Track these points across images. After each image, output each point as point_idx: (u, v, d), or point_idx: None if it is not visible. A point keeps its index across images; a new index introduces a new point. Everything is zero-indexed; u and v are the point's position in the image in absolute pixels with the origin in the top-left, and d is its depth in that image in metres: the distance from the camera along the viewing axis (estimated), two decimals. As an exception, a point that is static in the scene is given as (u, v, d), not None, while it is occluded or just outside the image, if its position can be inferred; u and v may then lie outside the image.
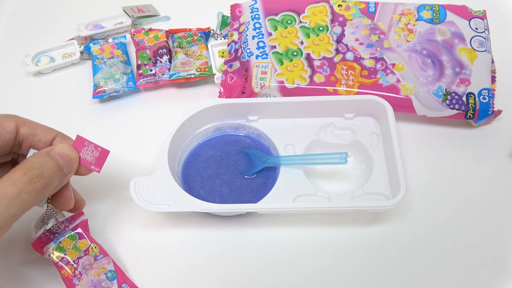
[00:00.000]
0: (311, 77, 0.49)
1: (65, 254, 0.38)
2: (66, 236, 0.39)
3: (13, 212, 0.31)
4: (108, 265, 0.38)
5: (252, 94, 0.49)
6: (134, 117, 0.52)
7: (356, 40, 0.51)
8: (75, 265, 0.38)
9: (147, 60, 0.55)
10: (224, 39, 0.58)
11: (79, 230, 0.39)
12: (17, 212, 0.31)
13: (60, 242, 0.38)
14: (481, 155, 0.48)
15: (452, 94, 0.47)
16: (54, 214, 0.39)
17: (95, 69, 0.54)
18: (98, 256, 0.38)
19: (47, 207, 0.37)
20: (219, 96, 0.51)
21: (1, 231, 0.31)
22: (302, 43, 0.51)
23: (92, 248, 0.39)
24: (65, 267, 0.38)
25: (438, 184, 0.45)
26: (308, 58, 0.50)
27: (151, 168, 0.42)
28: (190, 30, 0.58)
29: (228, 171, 0.45)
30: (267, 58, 0.50)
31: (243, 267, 0.41)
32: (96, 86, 0.52)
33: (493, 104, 0.47)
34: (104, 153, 0.37)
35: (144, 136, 0.50)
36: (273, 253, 0.42)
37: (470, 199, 0.44)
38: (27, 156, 0.36)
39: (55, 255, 0.38)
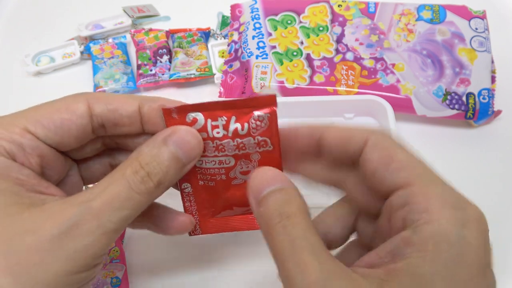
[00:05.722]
0: (311, 77, 0.49)
1: None
2: None
3: (126, 214, 0.26)
4: (118, 272, 0.37)
5: (252, 94, 0.49)
6: (134, 117, 0.52)
7: (356, 40, 0.51)
8: None
9: (147, 60, 0.55)
10: (224, 39, 0.58)
11: None
12: (131, 213, 0.27)
13: None
14: (481, 155, 0.48)
15: (452, 94, 0.47)
16: None
17: (95, 69, 0.54)
18: (114, 259, 0.38)
19: None
20: (219, 96, 0.51)
21: (116, 234, 0.26)
22: (302, 43, 0.51)
23: (114, 250, 0.38)
24: None
25: (438, 184, 0.45)
26: (308, 58, 0.50)
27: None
28: (190, 30, 0.58)
29: (228, 171, 0.45)
30: (267, 58, 0.50)
31: (244, 266, 0.41)
32: (96, 86, 0.52)
33: (493, 104, 0.48)
34: None
35: (144, 136, 0.50)
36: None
37: (470, 199, 0.44)
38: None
39: None
